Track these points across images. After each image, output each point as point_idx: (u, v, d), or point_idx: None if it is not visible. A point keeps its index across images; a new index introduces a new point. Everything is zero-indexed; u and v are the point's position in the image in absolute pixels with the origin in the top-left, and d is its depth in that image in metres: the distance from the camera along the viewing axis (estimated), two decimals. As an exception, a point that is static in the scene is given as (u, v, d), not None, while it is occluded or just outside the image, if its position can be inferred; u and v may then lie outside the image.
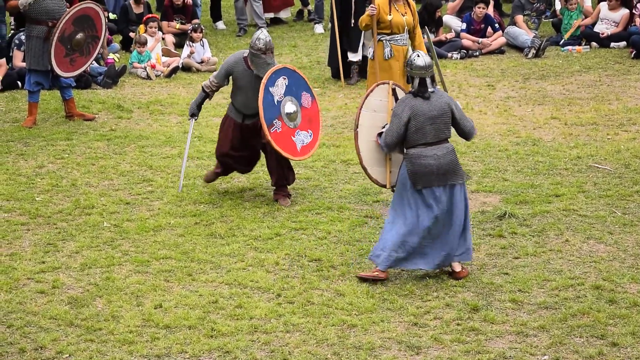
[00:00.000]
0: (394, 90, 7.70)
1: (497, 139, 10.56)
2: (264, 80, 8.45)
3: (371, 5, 10.34)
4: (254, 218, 8.47)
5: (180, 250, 7.85)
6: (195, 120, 9.23)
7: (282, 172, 8.75)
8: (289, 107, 8.63)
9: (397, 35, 10.45)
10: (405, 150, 7.38)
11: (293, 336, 6.49)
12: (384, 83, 7.75)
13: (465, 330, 6.53)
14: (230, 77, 8.84)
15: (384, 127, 7.56)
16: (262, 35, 8.58)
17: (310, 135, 8.76)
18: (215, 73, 8.99)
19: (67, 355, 6.28)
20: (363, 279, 7.26)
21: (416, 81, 7.38)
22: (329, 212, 8.60)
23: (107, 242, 8.02)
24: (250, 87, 8.63)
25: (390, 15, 10.35)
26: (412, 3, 10.59)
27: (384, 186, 7.75)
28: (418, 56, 7.45)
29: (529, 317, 6.69)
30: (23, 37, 12.77)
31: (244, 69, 8.68)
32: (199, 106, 9.09)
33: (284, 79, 8.61)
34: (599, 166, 9.57)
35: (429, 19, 14.21)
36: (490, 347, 6.33)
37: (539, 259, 7.57)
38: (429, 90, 7.35)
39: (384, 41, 10.44)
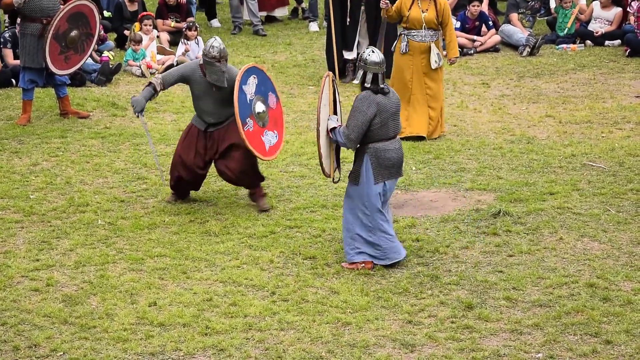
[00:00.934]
0: (333, 81, 7.67)
1: (491, 137, 10.56)
2: (238, 78, 8.35)
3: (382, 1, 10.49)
4: (249, 216, 8.47)
5: (175, 248, 7.84)
6: (143, 116, 8.73)
7: (249, 179, 8.69)
8: (259, 106, 8.56)
9: (414, 31, 10.48)
10: (367, 145, 7.40)
11: (287, 334, 6.50)
12: (326, 76, 7.65)
13: (459, 328, 6.54)
14: (188, 86, 8.68)
15: (329, 120, 7.52)
16: (216, 43, 8.42)
17: (276, 136, 8.71)
18: (166, 74, 8.68)
19: (61, 353, 6.28)
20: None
21: (369, 76, 7.41)
22: (324, 210, 8.60)
23: (101, 239, 8.01)
24: (209, 94, 8.53)
25: (409, 10, 10.41)
26: (440, 0, 10.46)
27: (328, 176, 7.68)
28: (373, 52, 7.50)
29: (523, 314, 6.69)
30: (7, 35, 12.75)
31: (200, 77, 8.52)
32: (146, 102, 8.67)
33: (254, 77, 8.55)
34: (593, 164, 9.59)
35: None
36: (485, 344, 6.34)
37: (533, 256, 7.58)
38: (382, 86, 7.43)
39: (403, 35, 10.55)
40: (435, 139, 10.53)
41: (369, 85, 7.43)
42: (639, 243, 7.74)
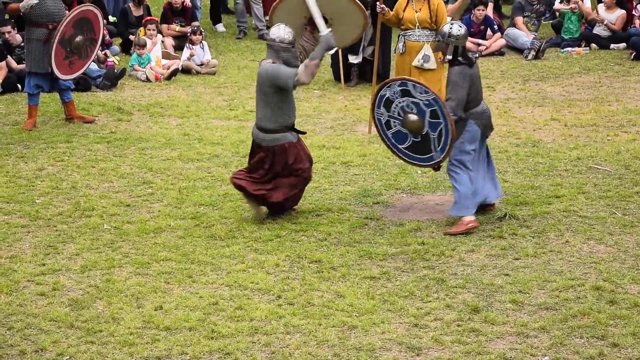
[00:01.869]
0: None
1: (497, 141, 10.56)
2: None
3: (379, 4, 10.55)
4: (254, 220, 8.47)
5: (181, 252, 7.85)
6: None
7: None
8: None
9: (409, 31, 10.63)
10: (466, 111, 8.07)
11: (293, 337, 6.49)
12: None
13: (465, 332, 6.52)
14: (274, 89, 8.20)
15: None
16: (287, 28, 8.18)
17: None
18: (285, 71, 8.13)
19: (68, 357, 6.28)
20: (452, 234, 7.99)
21: (460, 50, 8.05)
22: (329, 213, 8.60)
23: (107, 244, 8.02)
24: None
25: (404, 11, 10.57)
26: (434, 0, 10.57)
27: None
28: (452, 25, 8.10)
29: (530, 318, 6.68)
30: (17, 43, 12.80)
31: None
32: None
33: None
34: (599, 167, 9.57)
35: None
36: (491, 348, 6.32)
37: (539, 259, 7.57)
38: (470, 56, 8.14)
39: (400, 36, 10.71)
40: None
41: (461, 59, 8.05)
42: (645, 246, 7.74)
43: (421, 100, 7.99)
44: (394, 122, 8.17)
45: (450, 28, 8.11)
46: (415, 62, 10.55)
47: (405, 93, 8.05)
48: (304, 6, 8.54)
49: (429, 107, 7.98)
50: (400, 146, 8.27)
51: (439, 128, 7.99)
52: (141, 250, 7.90)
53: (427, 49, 10.54)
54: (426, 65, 10.58)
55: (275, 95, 8.16)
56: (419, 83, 8.07)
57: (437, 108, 7.95)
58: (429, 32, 10.56)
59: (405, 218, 8.45)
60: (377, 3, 10.67)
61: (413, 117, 8.07)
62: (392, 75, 10.76)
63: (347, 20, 8.82)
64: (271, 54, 8.20)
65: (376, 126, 8.41)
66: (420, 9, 10.54)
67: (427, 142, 8.11)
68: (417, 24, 10.54)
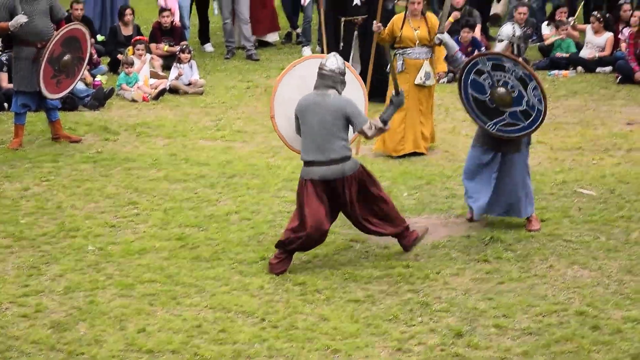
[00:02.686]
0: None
1: (483, 163, 10.57)
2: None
3: (375, 23, 10.71)
4: (240, 241, 8.46)
5: (165, 273, 7.83)
6: None
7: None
8: None
9: (408, 49, 10.78)
10: None
11: (276, 361, 6.48)
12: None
13: (449, 356, 6.52)
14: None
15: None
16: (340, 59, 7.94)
17: None
18: (361, 112, 7.88)
19: (49, 379, 6.25)
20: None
21: (522, 49, 8.49)
22: (315, 235, 8.58)
23: (91, 265, 7.99)
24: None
25: (401, 29, 10.71)
26: (431, 18, 10.83)
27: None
28: (514, 25, 8.45)
29: (513, 342, 6.68)
30: (4, 59, 12.78)
31: None
32: None
33: None
34: (584, 191, 9.60)
35: None
36: (474, 373, 6.32)
37: (524, 284, 7.58)
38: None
39: (398, 55, 10.83)
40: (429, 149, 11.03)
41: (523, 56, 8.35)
42: (628, 271, 7.75)
43: (529, 98, 8.23)
44: (486, 78, 8.24)
45: (514, 28, 8.33)
46: (417, 81, 10.69)
47: (522, 81, 8.16)
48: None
49: (530, 109, 8.26)
50: (470, 89, 8.35)
51: (516, 122, 8.31)
52: (125, 271, 7.87)
53: (427, 66, 10.79)
54: (428, 83, 10.82)
55: (334, 126, 7.73)
56: (542, 90, 8.18)
57: (534, 116, 8.27)
58: (427, 49, 10.78)
59: (390, 241, 8.44)
60: (374, 22, 10.79)
61: (505, 93, 8.21)
62: (388, 93, 10.83)
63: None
64: (325, 83, 7.77)
65: (465, 63, 8.32)
66: (419, 27, 10.74)
67: (495, 114, 8.33)
68: (417, 41, 10.71)
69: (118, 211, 9.24)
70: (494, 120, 8.31)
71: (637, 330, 6.77)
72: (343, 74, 7.87)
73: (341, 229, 8.75)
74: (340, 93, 7.84)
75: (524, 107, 8.23)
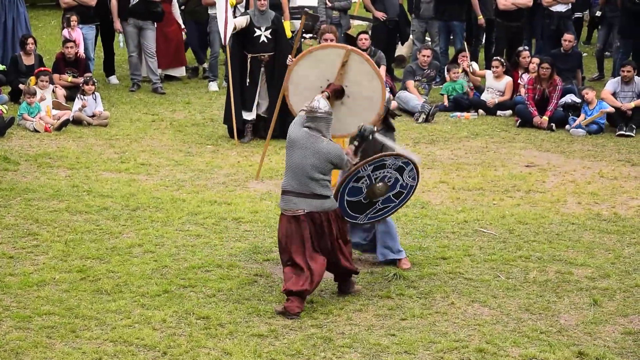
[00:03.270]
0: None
1: (386, 201, 10.70)
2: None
3: (289, 57, 10.78)
4: (142, 274, 8.36)
5: (65, 306, 7.67)
6: None
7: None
8: None
9: None
10: None
11: (178, 396, 6.39)
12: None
13: (351, 391, 6.54)
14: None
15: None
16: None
17: None
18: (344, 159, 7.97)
19: (-59, 413, 6.04)
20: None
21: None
22: (219, 269, 8.54)
23: (-13, 296, 7.78)
24: None
25: None
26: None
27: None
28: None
29: (415, 378, 6.74)
30: None
31: None
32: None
33: None
34: (485, 230, 9.79)
35: None
36: (376, 408, 6.34)
37: (425, 320, 7.67)
38: None
39: None
40: None
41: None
42: (526, 309, 7.91)
43: (403, 180, 8.38)
44: (365, 181, 8.23)
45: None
46: None
47: (400, 170, 8.30)
48: (333, 68, 8.35)
49: (402, 188, 8.41)
50: (346, 197, 8.29)
51: (388, 205, 8.44)
52: (23, 303, 7.69)
53: None
54: None
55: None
56: (417, 170, 8.36)
57: (405, 193, 8.47)
58: None
59: (294, 276, 8.45)
60: (289, 56, 10.87)
61: (382, 186, 8.28)
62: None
63: (362, 103, 8.48)
64: (318, 126, 7.82)
65: (346, 174, 8.23)
66: None
67: (367, 207, 8.36)
68: None
69: (16, 242, 9.04)
70: (366, 213, 8.42)
71: (534, 366, 6.92)
72: (330, 114, 7.94)
73: (246, 263, 8.73)
74: (323, 134, 7.89)
75: (398, 189, 8.42)
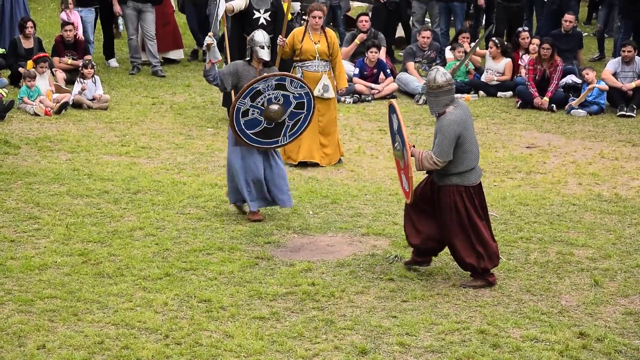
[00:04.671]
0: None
1: (387, 183, 10.70)
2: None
3: (280, 37, 10.99)
4: (144, 257, 8.37)
5: (66, 289, 7.68)
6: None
7: None
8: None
9: (308, 62, 11.15)
10: None
11: (180, 378, 6.42)
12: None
13: (353, 373, 6.56)
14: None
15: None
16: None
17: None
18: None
19: (-56, 397, 6.07)
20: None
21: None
22: (220, 252, 8.56)
23: (-11, 280, 7.80)
24: None
25: (301, 43, 11.06)
26: (330, 33, 11.29)
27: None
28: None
29: (416, 360, 6.76)
30: None
31: None
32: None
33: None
34: (486, 212, 9.77)
35: None
36: (378, 389, 6.37)
37: (427, 302, 7.68)
38: None
39: (297, 67, 11.15)
40: (336, 164, 11.27)
41: None
42: (527, 290, 7.92)
43: (292, 93, 9.08)
44: (253, 111, 8.97)
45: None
46: (316, 93, 10.81)
47: (280, 87, 8.94)
48: None
49: (297, 99, 9.11)
50: (248, 131, 8.99)
51: (298, 117, 9.18)
52: (25, 287, 7.70)
53: (325, 79, 11.15)
54: (326, 95, 11.19)
55: None
56: (297, 79, 9.04)
57: (305, 101, 9.12)
58: (326, 62, 11.18)
59: (296, 258, 8.47)
60: (279, 37, 11.03)
61: (275, 107, 9.01)
62: None
63: None
64: (448, 98, 8.04)
65: (231, 115, 8.99)
66: (319, 41, 11.11)
67: (279, 128, 9.11)
68: (317, 55, 11.04)
69: (18, 226, 9.04)
70: (282, 133, 9.06)
71: (535, 348, 6.93)
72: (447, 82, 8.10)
73: (247, 245, 8.74)
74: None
75: (295, 102, 9.02)
